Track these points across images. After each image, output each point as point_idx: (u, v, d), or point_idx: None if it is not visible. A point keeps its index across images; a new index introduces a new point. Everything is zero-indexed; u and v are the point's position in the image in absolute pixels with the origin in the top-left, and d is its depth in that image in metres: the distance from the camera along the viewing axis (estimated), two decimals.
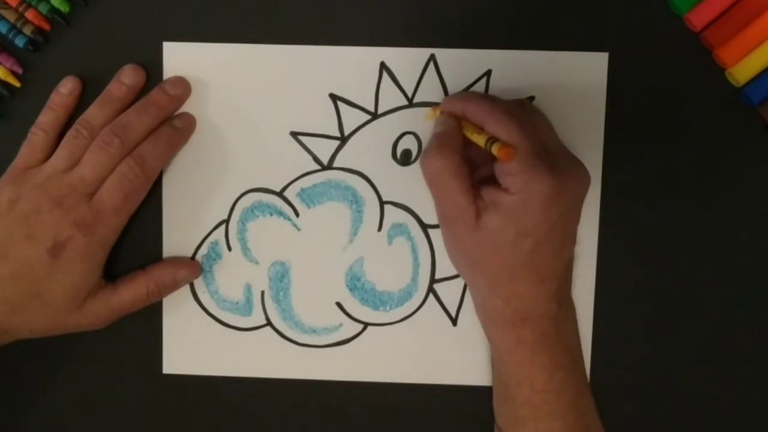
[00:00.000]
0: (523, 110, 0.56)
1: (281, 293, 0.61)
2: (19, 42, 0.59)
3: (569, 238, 0.55)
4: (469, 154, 0.55)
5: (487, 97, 0.56)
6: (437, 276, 0.61)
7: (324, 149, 0.61)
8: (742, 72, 0.58)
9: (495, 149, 0.52)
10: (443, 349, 0.60)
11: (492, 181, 0.54)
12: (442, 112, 0.57)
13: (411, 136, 0.60)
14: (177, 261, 0.61)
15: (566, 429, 0.56)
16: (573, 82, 0.59)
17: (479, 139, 0.53)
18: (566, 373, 0.56)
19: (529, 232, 0.53)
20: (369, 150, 0.60)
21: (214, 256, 0.61)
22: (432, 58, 0.60)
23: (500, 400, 0.59)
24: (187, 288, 0.61)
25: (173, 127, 0.59)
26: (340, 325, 0.62)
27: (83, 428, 0.63)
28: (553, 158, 0.54)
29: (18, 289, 0.56)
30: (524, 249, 0.53)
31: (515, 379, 0.56)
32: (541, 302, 0.54)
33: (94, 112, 0.58)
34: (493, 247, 0.54)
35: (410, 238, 0.61)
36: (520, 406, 0.56)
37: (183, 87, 0.59)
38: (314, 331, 0.62)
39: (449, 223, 0.56)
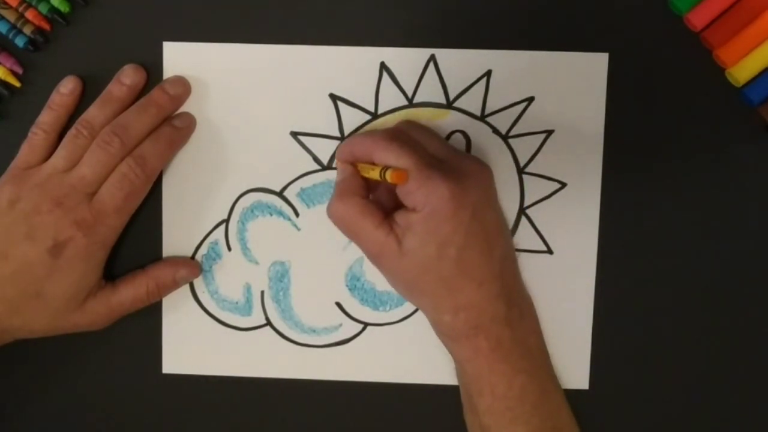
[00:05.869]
0: (402, 131, 0.57)
1: (281, 293, 0.62)
2: (19, 42, 0.59)
3: (494, 234, 0.56)
4: (388, 189, 0.57)
5: (367, 134, 0.58)
6: None
7: (324, 149, 0.61)
8: (742, 72, 0.58)
9: (388, 177, 0.53)
10: (443, 349, 0.60)
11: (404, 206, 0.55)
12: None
13: None
14: (177, 261, 0.61)
15: None
16: (573, 82, 0.60)
17: (374, 174, 0.54)
18: (527, 376, 0.56)
19: (448, 241, 0.53)
20: None
21: (214, 255, 0.61)
22: (432, 58, 0.60)
23: (466, 411, 0.59)
24: (187, 288, 0.61)
25: (173, 126, 0.59)
26: (340, 325, 0.62)
27: (83, 428, 0.63)
28: (446, 164, 0.55)
29: (18, 288, 0.56)
30: (450, 259, 0.54)
31: (476, 388, 0.56)
32: (487, 306, 0.55)
33: (95, 112, 0.58)
34: (422, 267, 0.54)
35: None
36: (484, 415, 0.56)
37: (183, 87, 0.59)
38: (314, 331, 0.62)
39: (377, 259, 0.56)
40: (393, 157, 0.54)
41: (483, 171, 0.56)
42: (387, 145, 0.54)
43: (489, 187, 0.57)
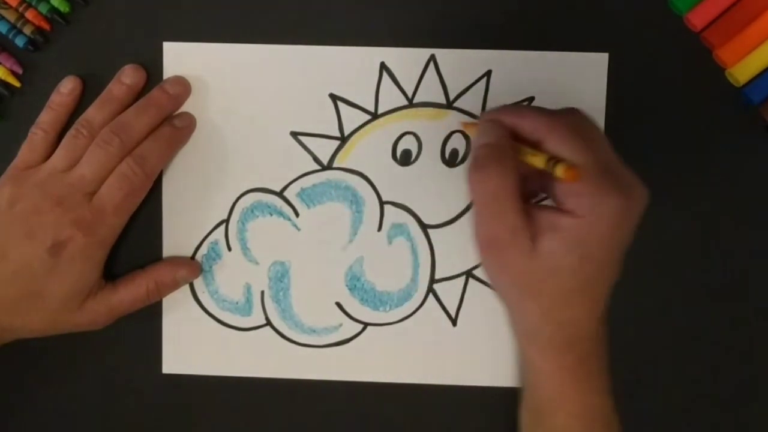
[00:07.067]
0: (582, 124, 0.51)
1: (281, 293, 0.62)
2: (19, 42, 0.60)
3: (623, 257, 0.51)
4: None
5: (541, 111, 0.51)
6: (437, 276, 0.61)
7: (324, 149, 0.61)
8: (742, 72, 0.58)
9: (560, 170, 0.47)
10: (443, 349, 0.60)
11: (531, 196, 0.52)
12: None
13: (411, 137, 0.60)
14: (177, 261, 0.61)
15: None
16: (573, 82, 0.59)
17: (536, 160, 0.49)
18: (600, 396, 0.53)
19: (594, 256, 0.49)
20: (369, 150, 0.60)
21: (214, 256, 0.61)
22: (432, 58, 0.60)
23: (531, 426, 0.55)
24: (187, 288, 0.61)
25: (173, 126, 0.59)
26: (340, 325, 0.62)
27: (83, 428, 0.63)
28: (616, 176, 0.49)
29: (18, 288, 0.56)
30: (585, 274, 0.49)
31: (550, 405, 0.53)
32: (590, 326, 0.52)
33: (94, 112, 0.58)
34: (550, 273, 0.49)
35: (410, 239, 0.61)
36: (553, 431, 0.53)
37: (183, 86, 0.59)
38: (314, 331, 0.62)
39: (498, 247, 0.50)
40: (571, 151, 0.48)
41: (644, 194, 0.50)
42: (570, 136, 0.49)
43: (644, 211, 0.50)
